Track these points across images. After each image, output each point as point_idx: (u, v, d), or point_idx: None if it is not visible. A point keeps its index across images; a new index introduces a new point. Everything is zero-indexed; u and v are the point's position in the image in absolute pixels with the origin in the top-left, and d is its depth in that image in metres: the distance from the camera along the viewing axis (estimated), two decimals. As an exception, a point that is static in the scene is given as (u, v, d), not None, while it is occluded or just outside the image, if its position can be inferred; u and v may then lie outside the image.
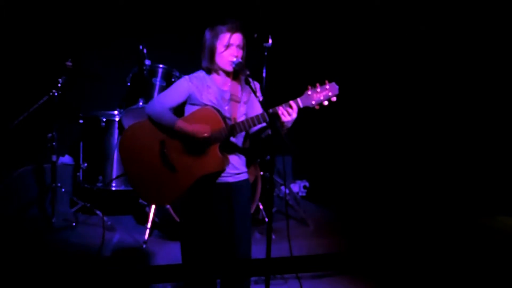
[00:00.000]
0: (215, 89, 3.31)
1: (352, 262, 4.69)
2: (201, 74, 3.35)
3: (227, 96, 3.31)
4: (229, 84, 3.34)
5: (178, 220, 4.77)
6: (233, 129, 3.19)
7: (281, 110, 3.10)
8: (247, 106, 3.35)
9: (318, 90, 3.09)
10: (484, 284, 4.38)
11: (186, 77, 3.33)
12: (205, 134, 3.19)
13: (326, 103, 3.10)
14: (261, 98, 3.18)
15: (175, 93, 3.31)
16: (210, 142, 3.22)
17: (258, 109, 3.32)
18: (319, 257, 4.68)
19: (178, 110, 3.36)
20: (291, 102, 3.11)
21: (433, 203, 5.79)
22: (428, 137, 5.83)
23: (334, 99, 3.10)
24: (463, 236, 5.22)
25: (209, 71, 3.32)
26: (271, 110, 3.11)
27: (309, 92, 3.10)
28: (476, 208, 5.69)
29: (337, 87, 3.10)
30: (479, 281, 4.40)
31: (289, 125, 3.16)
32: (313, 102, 3.10)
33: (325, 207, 6.08)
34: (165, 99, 3.31)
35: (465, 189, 5.71)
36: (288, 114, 3.10)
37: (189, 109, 3.32)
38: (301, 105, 3.10)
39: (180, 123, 3.22)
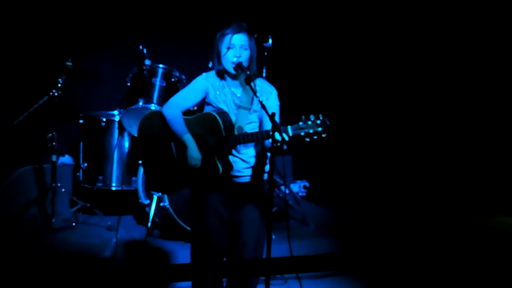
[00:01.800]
0: (228, 92, 3.32)
1: (352, 262, 4.69)
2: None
3: (237, 101, 3.32)
4: (242, 90, 3.34)
5: (178, 220, 4.77)
6: (226, 141, 3.22)
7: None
8: (258, 114, 3.35)
9: (310, 123, 3.07)
10: (484, 284, 4.39)
11: (204, 74, 3.37)
12: (194, 165, 3.26)
13: (315, 137, 3.08)
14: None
15: (192, 92, 3.34)
16: (209, 149, 3.24)
17: (268, 121, 3.32)
18: (319, 257, 4.68)
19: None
20: (281, 128, 3.08)
21: (432, 203, 5.80)
22: (428, 137, 5.83)
23: (324, 135, 3.08)
24: (463, 236, 5.22)
25: (220, 75, 3.34)
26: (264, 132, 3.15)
27: (301, 123, 3.08)
28: (476, 208, 5.69)
29: (327, 124, 3.07)
30: (479, 281, 4.40)
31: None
32: (302, 134, 3.08)
33: (325, 207, 6.08)
34: (181, 101, 3.35)
35: (464, 189, 5.72)
36: (276, 140, 3.05)
37: (205, 107, 3.38)
38: (290, 134, 3.09)
39: (187, 138, 3.28)
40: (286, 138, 3.05)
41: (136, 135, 4.31)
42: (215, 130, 3.23)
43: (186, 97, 3.34)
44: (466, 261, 4.68)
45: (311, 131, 3.06)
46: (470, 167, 5.70)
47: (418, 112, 5.86)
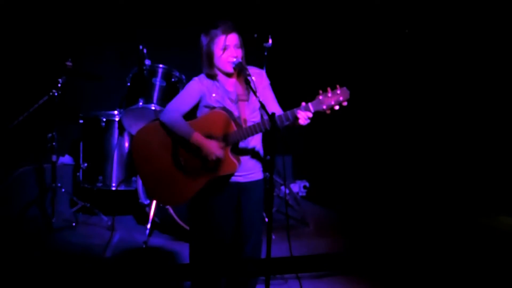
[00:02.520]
0: (222, 91, 3.31)
1: (352, 262, 4.69)
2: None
3: (233, 96, 3.32)
4: (234, 84, 3.34)
5: (178, 220, 4.76)
6: (242, 134, 3.20)
7: (300, 114, 3.07)
8: (257, 101, 3.34)
9: (329, 95, 3.05)
10: (484, 284, 4.38)
11: (196, 78, 3.34)
12: (218, 155, 3.19)
13: (337, 107, 3.07)
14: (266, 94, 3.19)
15: (188, 96, 3.31)
16: (222, 146, 3.23)
17: (271, 103, 3.32)
18: (319, 257, 4.68)
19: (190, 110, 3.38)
20: (303, 106, 3.08)
21: (433, 203, 5.79)
22: (428, 137, 5.83)
23: (345, 103, 3.06)
24: (463, 236, 5.22)
25: (211, 77, 3.32)
26: (289, 114, 3.09)
27: (320, 97, 3.06)
28: (476, 208, 5.69)
29: (348, 92, 3.05)
30: (479, 281, 4.40)
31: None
32: (324, 107, 3.06)
33: (325, 207, 6.08)
34: (179, 105, 3.30)
35: (465, 189, 5.71)
36: (307, 118, 3.07)
37: (201, 111, 3.33)
38: (312, 110, 3.07)
39: (196, 137, 3.22)
40: (309, 121, 3.06)
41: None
42: (224, 126, 3.21)
43: (183, 101, 3.31)
44: (467, 261, 4.68)
45: (332, 102, 3.04)
46: (471, 167, 5.70)
47: (419, 112, 5.86)
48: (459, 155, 5.75)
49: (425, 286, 4.41)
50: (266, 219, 4.97)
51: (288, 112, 3.10)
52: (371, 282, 4.48)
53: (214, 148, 3.20)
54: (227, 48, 3.23)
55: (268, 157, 4.72)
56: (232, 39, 3.23)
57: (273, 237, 4.48)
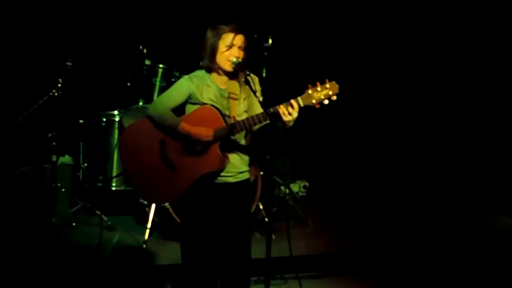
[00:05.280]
0: (215, 88, 3.33)
1: (352, 262, 4.70)
2: (200, 73, 3.36)
3: (225, 93, 3.33)
4: (228, 82, 3.35)
5: (178, 220, 4.76)
6: (233, 128, 3.20)
7: (282, 109, 3.10)
8: (247, 102, 3.36)
9: (319, 89, 3.09)
10: (484, 284, 4.39)
11: (186, 76, 3.35)
12: (209, 138, 3.20)
13: (326, 102, 3.10)
14: (260, 98, 3.20)
15: (176, 93, 3.32)
16: (211, 141, 3.23)
17: (258, 106, 3.33)
18: (319, 257, 4.69)
19: (178, 109, 3.36)
20: (292, 101, 3.11)
21: (433, 203, 5.80)
22: (428, 137, 5.84)
23: (334, 98, 3.10)
24: (463, 236, 5.22)
25: (209, 70, 3.33)
26: (271, 110, 3.11)
27: (310, 91, 3.10)
28: (476, 208, 5.69)
29: (337, 86, 3.11)
30: (479, 281, 4.40)
31: (291, 124, 3.17)
32: (314, 101, 3.10)
33: (325, 207, 6.08)
34: (166, 100, 3.32)
35: (465, 189, 5.72)
36: (288, 113, 3.10)
37: (189, 108, 3.34)
38: (301, 104, 3.10)
39: (184, 125, 3.23)
40: (295, 115, 3.09)
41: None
42: (214, 122, 3.22)
43: (171, 97, 3.32)
44: (467, 261, 4.68)
45: (322, 96, 3.10)
46: (471, 167, 5.70)
47: (419, 112, 5.86)
48: (459, 155, 5.75)
49: (424, 286, 4.41)
50: (266, 219, 4.97)
51: (271, 108, 3.13)
52: (370, 282, 4.48)
53: (203, 132, 3.20)
54: (232, 47, 3.24)
55: (268, 157, 4.72)
56: (240, 39, 3.25)
57: (273, 237, 4.48)
